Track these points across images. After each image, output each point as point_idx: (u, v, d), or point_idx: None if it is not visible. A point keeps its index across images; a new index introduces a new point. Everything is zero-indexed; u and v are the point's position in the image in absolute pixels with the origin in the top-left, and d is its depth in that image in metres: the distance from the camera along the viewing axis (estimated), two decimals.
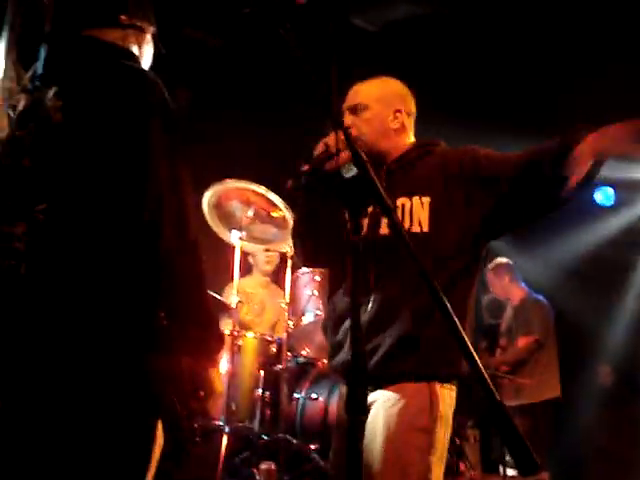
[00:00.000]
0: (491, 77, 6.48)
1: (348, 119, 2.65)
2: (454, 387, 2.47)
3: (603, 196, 7.61)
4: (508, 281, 6.28)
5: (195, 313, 1.98)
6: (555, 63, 6.36)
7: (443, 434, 2.39)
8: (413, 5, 5.95)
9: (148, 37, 2.34)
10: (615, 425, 7.16)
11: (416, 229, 2.46)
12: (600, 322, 7.29)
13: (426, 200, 2.50)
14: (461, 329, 1.52)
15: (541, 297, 6.25)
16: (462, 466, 4.94)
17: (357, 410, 1.61)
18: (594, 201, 7.56)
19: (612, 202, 7.63)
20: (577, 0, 5.72)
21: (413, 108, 2.77)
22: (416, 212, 2.49)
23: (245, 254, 5.47)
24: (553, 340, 6.14)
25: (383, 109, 2.67)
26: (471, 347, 1.54)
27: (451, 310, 1.52)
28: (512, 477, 5.20)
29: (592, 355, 7.35)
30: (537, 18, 5.93)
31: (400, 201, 2.52)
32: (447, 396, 2.43)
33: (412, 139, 2.75)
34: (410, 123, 2.75)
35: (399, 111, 2.70)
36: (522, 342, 6.02)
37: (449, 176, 2.54)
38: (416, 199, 2.51)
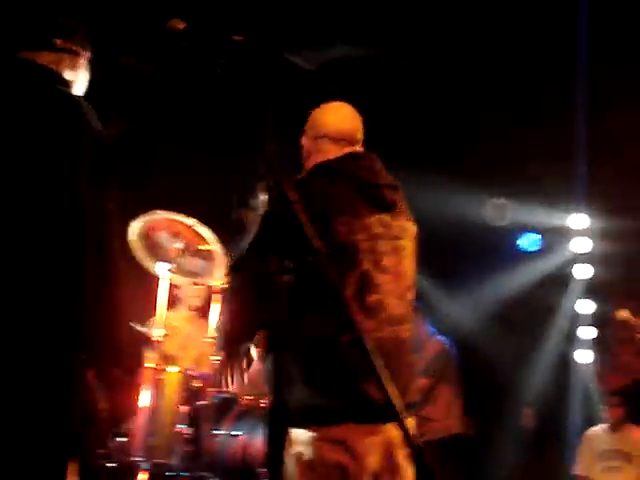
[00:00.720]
0: (422, 118, 6.63)
1: None
2: (314, 428, 2.34)
3: (528, 242, 7.81)
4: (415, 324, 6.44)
5: (112, 348, 1.94)
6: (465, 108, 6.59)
7: (291, 472, 2.29)
8: (349, 47, 6.06)
9: (82, 61, 2.33)
10: (535, 465, 7.27)
11: None
12: (523, 365, 7.43)
13: None
14: (378, 370, 1.52)
15: (442, 338, 6.44)
16: None
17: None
18: (519, 247, 7.75)
19: (537, 247, 7.83)
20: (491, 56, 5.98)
21: (321, 130, 2.71)
22: None
23: (172, 287, 5.38)
24: (454, 378, 6.30)
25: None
26: (389, 388, 1.54)
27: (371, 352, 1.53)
28: None
29: (515, 397, 7.47)
30: (460, 66, 6.15)
31: None
32: (299, 437, 2.33)
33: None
34: (318, 145, 2.70)
35: (304, 139, 2.75)
36: (419, 383, 6.21)
37: None
38: None
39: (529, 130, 6.59)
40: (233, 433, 4.53)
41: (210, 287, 4.74)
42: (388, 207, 2.57)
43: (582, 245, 7.64)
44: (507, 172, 7.13)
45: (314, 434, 2.32)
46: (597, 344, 7.69)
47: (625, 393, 6.71)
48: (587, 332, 7.72)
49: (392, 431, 2.35)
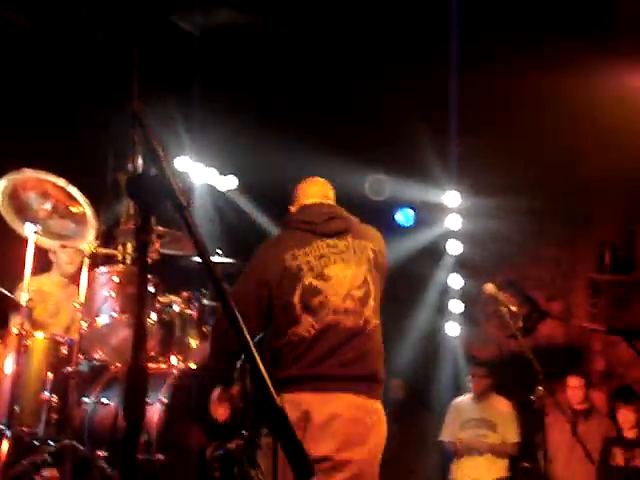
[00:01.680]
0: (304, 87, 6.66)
1: None
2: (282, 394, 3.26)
3: (403, 216, 7.99)
4: None
5: None
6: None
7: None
8: (235, 13, 6.00)
9: None
10: (404, 436, 7.48)
11: None
12: (393, 337, 7.61)
13: None
14: (247, 339, 1.60)
15: None
16: (253, 473, 4.95)
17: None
18: (395, 221, 7.92)
19: (412, 222, 8.02)
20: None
21: (302, 199, 3.73)
22: None
23: (47, 251, 5.20)
24: None
25: None
26: (253, 352, 1.56)
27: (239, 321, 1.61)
28: None
29: (386, 367, 7.63)
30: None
31: None
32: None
33: None
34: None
35: (291, 207, 3.80)
36: None
37: None
38: None
39: (399, 108, 6.72)
40: (102, 401, 4.46)
41: (82, 252, 4.59)
42: (332, 233, 3.48)
43: (454, 222, 7.87)
44: (386, 148, 7.27)
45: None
46: (465, 317, 7.97)
47: (490, 365, 7.00)
48: (457, 305, 7.98)
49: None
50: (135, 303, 1.61)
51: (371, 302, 3.42)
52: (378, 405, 3.39)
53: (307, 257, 3.42)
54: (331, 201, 3.74)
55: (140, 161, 1.85)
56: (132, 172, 1.58)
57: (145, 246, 1.58)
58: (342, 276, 3.39)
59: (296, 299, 3.35)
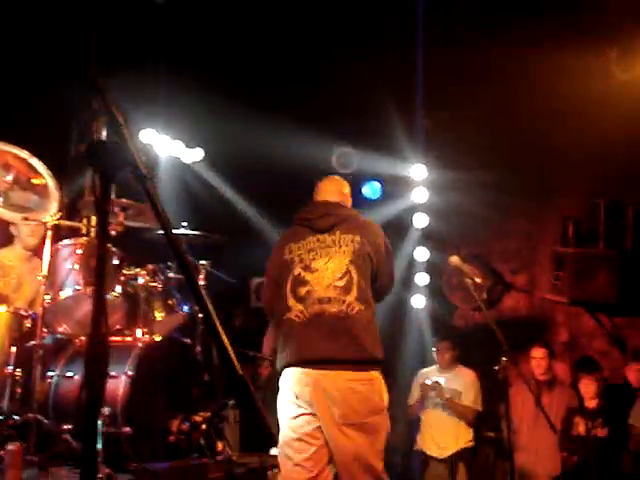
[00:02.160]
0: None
1: None
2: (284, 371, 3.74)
3: (370, 189, 7.99)
4: None
5: None
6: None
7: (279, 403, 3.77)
8: None
9: None
10: None
11: None
12: None
13: None
14: (212, 315, 1.59)
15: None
16: (220, 446, 4.97)
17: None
18: (361, 194, 7.91)
19: (378, 195, 8.03)
20: None
21: (318, 195, 4.11)
22: None
23: (8, 224, 5.13)
24: None
25: None
26: (216, 324, 1.56)
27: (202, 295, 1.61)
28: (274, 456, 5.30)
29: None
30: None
31: None
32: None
33: None
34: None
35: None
36: None
37: None
38: None
39: (366, 81, 6.71)
40: (67, 374, 4.44)
41: (45, 224, 4.53)
42: (324, 229, 3.84)
43: (421, 195, 7.88)
44: (353, 121, 7.25)
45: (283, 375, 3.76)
46: (431, 290, 8.01)
47: (454, 337, 7.07)
48: (423, 278, 8.01)
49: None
50: (94, 273, 1.59)
51: (354, 290, 3.72)
52: (373, 373, 3.68)
53: (299, 251, 3.83)
54: (345, 197, 4.15)
55: (102, 130, 1.82)
56: (92, 139, 1.55)
57: (105, 214, 1.56)
58: (325, 268, 3.76)
59: (288, 288, 3.77)
